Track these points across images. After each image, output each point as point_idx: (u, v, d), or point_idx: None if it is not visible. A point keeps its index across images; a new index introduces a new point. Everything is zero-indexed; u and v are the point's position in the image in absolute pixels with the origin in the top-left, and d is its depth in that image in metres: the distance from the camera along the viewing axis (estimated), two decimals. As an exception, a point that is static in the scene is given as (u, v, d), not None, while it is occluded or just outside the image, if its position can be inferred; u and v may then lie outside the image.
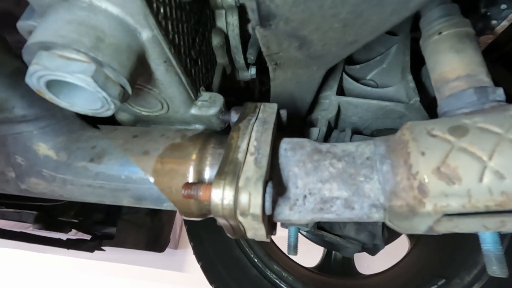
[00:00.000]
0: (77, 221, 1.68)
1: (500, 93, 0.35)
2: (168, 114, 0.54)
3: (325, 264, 1.31)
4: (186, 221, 1.28)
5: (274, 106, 0.49)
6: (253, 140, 0.40)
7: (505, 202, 0.29)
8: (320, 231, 0.92)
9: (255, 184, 0.34)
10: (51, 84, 0.36)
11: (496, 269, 0.46)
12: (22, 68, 0.47)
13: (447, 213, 0.32)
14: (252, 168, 0.36)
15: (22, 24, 0.40)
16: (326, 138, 0.68)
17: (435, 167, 0.32)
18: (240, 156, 0.38)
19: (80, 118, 0.53)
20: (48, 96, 0.37)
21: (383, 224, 0.88)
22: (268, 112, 0.47)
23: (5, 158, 0.47)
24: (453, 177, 0.31)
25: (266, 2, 0.26)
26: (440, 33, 0.41)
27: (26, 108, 0.45)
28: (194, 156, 0.44)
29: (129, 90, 0.38)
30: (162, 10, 0.40)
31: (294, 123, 0.76)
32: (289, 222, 0.42)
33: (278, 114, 0.49)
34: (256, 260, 1.22)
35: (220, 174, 0.36)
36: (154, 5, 0.38)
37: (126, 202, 0.47)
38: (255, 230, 0.39)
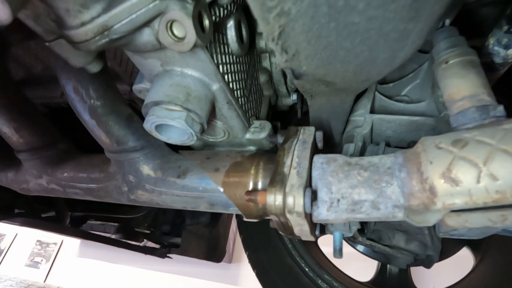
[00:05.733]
0: (149, 232, 1.94)
1: (500, 109, 0.42)
2: (229, 139, 0.70)
3: (379, 278, 1.29)
4: (241, 232, 1.40)
5: (312, 129, 0.61)
6: (295, 157, 0.52)
7: (500, 199, 0.36)
8: (369, 241, 0.96)
9: (297, 190, 0.46)
10: (157, 126, 0.54)
11: None
12: (132, 114, 0.68)
13: (454, 209, 0.40)
14: (295, 178, 0.49)
15: (136, 87, 0.60)
16: (362, 152, 0.77)
17: (441, 172, 0.40)
18: (286, 169, 0.51)
19: (167, 146, 0.72)
20: (155, 134, 0.55)
21: (431, 233, 0.90)
22: (307, 134, 0.60)
23: (121, 177, 0.68)
24: (456, 180, 0.39)
25: (297, 69, 0.40)
26: (447, 62, 0.49)
27: (136, 141, 0.65)
28: (252, 171, 0.58)
29: (205, 126, 0.54)
30: (225, 69, 0.56)
31: (333, 140, 0.87)
32: (327, 221, 0.53)
33: (315, 135, 0.61)
34: (307, 269, 1.27)
35: (272, 183, 0.49)
36: (220, 67, 0.54)
37: (203, 207, 0.63)
38: (300, 226, 0.51)
